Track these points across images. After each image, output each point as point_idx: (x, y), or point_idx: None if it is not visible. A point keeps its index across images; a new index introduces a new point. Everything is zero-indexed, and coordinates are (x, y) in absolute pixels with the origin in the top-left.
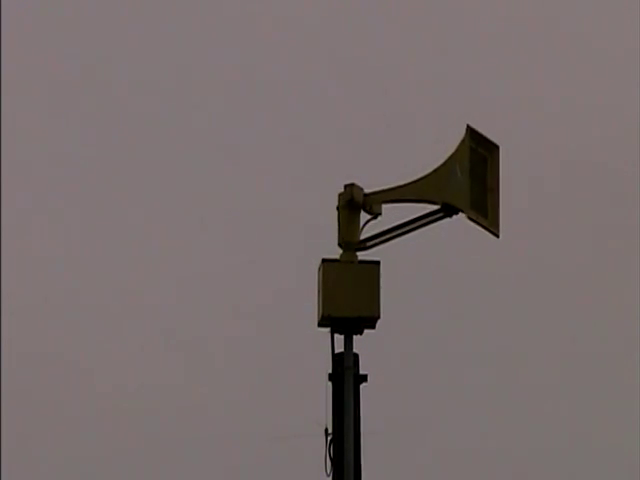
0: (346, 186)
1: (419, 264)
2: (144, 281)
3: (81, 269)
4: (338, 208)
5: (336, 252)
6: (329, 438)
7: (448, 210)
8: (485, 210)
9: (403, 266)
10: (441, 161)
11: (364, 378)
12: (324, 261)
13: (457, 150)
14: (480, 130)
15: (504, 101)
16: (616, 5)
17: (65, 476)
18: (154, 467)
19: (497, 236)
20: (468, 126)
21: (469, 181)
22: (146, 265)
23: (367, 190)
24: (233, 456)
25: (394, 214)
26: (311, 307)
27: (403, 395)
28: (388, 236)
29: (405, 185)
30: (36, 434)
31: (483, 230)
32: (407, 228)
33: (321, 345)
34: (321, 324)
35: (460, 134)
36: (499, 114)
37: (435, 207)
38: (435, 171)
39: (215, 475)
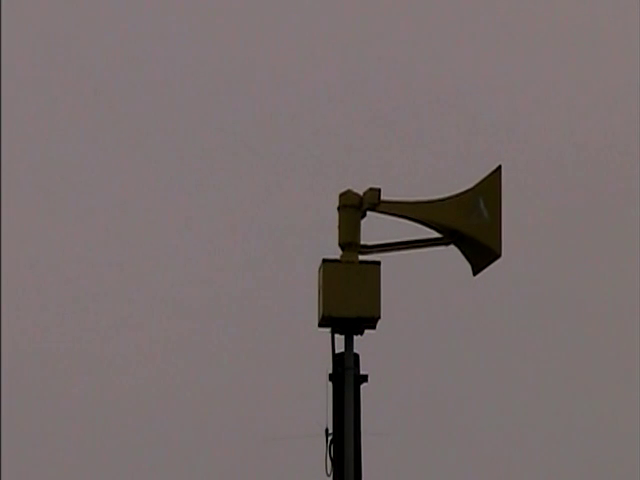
0: (372, 189)
1: (419, 264)
2: (143, 281)
3: (81, 267)
4: (339, 208)
5: (336, 252)
6: (329, 438)
7: (452, 238)
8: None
9: (403, 266)
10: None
11: (364, 378)
12: (324, 261)
13: (483, 184)
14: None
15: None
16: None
17: (62, 475)
18: (153, 467)
19: (474, 274)
20: (500, 167)
21: (498, 220)
22: (145, 265)
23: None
24: (233, 456)
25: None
26: (311, 307)
27: (403, 395)
28: (390, 248)
29: (415, 203)
30: (35, 434)
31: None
32: (410, 246)
33: (321, 345)
34: (321, 324)
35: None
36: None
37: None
38: (451, 198)
39: (215, 475)
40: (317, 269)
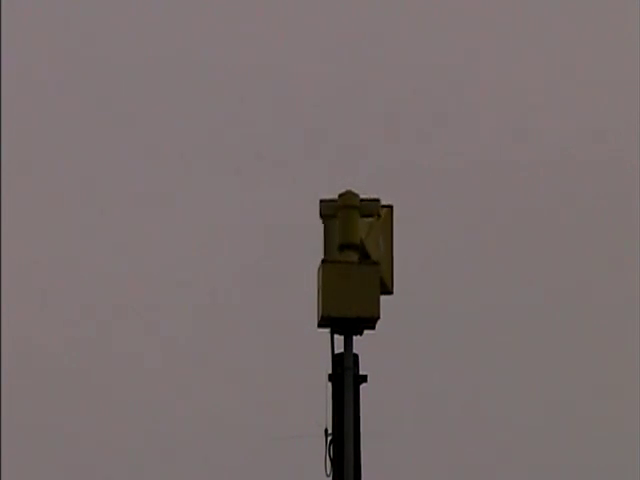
0: (381, 204)
1: (419, 264)
2: (142, 282)
3: (79, 266)
4: (339, 209)
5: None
6: (329, 438)
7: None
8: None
9: (402, 267)
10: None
11: (364, 378)
12: (324, 261)
13: (381, 223)
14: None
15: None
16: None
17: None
18: (152, 467)
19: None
20: (392, 206)
21: (390, 258)
22: (144, 266)
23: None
24: (233, 456)
25: None
26: (310, 307)
27: (403, 395)
28: None
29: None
30: (34, 433)
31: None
32: None
33: (321, 345)
34: (321, 324)
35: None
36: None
37: None
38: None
39: (215, 475)
40: (317, 269)
